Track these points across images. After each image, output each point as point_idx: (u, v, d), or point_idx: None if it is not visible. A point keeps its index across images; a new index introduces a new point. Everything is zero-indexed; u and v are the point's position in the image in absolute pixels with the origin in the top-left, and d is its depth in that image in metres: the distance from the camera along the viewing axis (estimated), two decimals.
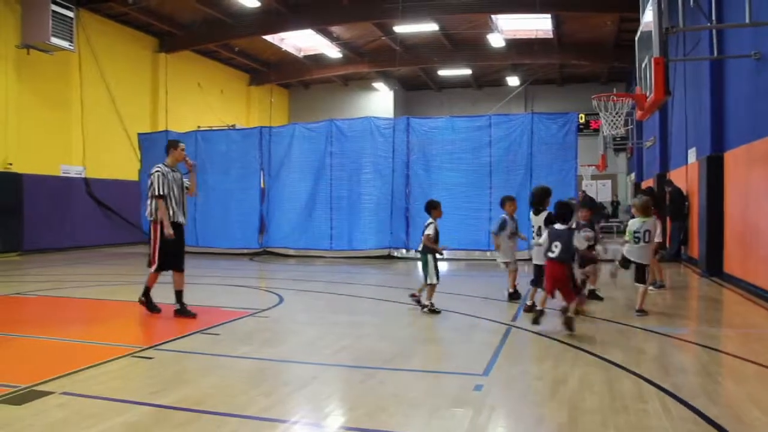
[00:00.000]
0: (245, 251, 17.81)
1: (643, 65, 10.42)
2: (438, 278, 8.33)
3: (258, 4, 20.82)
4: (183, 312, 8.10)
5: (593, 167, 27.14)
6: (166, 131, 19.90)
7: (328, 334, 7.13)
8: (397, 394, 4.89)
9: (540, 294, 7.67)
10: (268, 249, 17.72)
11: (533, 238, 8.61)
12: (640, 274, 8.19)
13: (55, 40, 18.12)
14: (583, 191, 22.33)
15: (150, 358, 5.92)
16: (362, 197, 16.71)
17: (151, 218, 8.06)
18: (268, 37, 24.54)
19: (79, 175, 20.34)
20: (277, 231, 17.65)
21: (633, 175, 27.55)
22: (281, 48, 26.27)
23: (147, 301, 8.38)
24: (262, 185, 17.88)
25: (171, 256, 8.17)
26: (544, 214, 8.44)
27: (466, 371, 5.48)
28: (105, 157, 21.19)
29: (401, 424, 4.26)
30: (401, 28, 23.09)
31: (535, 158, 15.55)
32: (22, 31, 18.32)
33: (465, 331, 7.36)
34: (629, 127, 22.78)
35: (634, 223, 8.30)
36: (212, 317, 8.07)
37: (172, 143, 8.38)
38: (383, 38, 24.89)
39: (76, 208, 19.89)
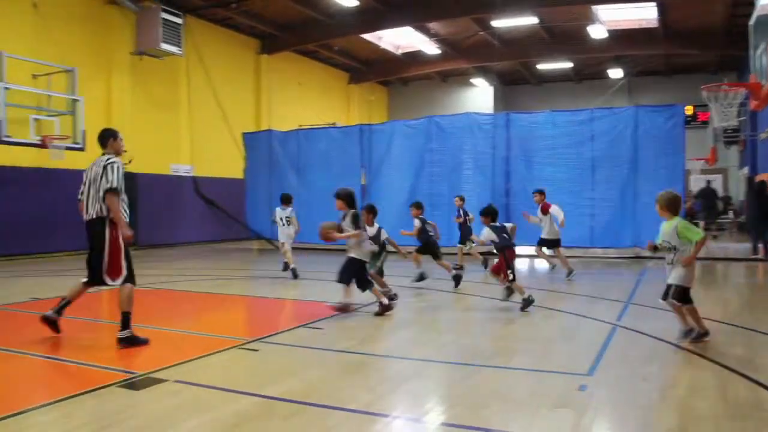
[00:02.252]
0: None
1: (758, 52, 9.90)
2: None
3: (356, 3, 21.04)
4: (131, 341, 6.35)
5: (702, 161, 26.00)
6: (269, 130, 20.50)
7: (429, 330, 7.14)
8: (499, 392, 4.85)
9: None
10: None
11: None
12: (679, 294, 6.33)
13: (164, 46, 18.94)
14: (708, 182, 22.62)
15: (256, 350, 6.10)
16: (462, 194, 16.59)
17: (104, 215, 6.47)
18: (366, 36, 24.76)
19: (187, 174, 21.18)
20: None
21: (746, 169, 26.19)
22: (379, 46, 26.45)
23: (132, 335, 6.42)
24: (362, 182, 18.09)
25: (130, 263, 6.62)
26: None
27: (570, 371, 5.36)
28: (211, 155, 21.97)
29: (503, 423, 4.21)
30: (500, 23, 22.80)
31: (640, 153, 15.03)
32: (135, 39, 19.26)
33: (568, 329, 7.22)
34: (742, 119, 21.67)
35: (662, 227, 6.52)
36: (315, 312, 8.22)
37: (112, 132, 6.94)
38: (481, 33, 24.65)
39: (185, 205, 20.72)
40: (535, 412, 4.38)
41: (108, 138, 6.85)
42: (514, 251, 8.65)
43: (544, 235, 12.38)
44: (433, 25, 24.41)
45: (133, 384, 4.95)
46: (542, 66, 29.61)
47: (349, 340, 6.58)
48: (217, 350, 6.11)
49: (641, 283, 11.19)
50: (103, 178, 6.43)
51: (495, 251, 8.88)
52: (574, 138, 15.62)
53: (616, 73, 29.48)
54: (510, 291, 8.66)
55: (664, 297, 6.35)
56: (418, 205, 10.68)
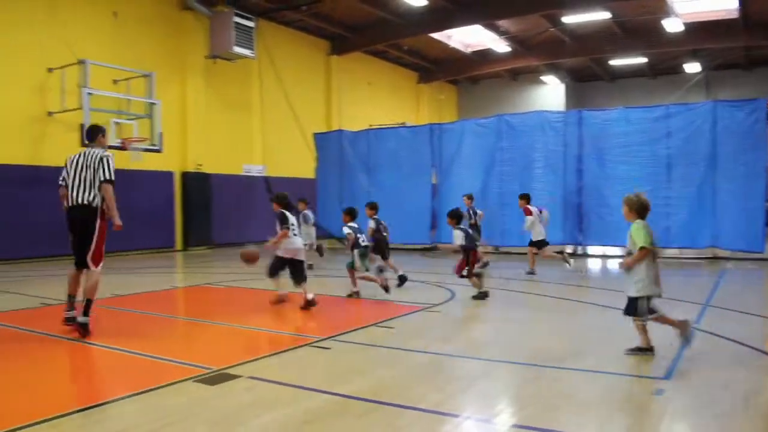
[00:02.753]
0: (417, 246, 18.07)
1: None
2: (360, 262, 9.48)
3: (425, 3, 21.02)
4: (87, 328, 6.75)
5: None
6: (340, 130, 20.66)
7: (500, 330, 7.07)
8: (571, 394, 4.76)
9: None
10: (439, 245, 17.84)
11: None
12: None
13: (237, 49, 19.37)
14: None
15: (328, 348, 6.16)
16: (533, 193, 16.34)
17: (96, 205, 6.87)
18: (435, 35, 24.71)
19: (259, 174, 21.58)
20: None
21: None
22: (448, 45, 26.36)
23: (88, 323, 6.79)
24: (433, 181, 18.05)
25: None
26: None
27: (646, 374, 5.22)
28: (283, 156, 22.33)
29: (575, 426, 4.13)
30: (570, 18, 22.41)
31: (718, 149, 14.49)
32: (209, 43, 19.75)
33: None
34: None
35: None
36: (386, 311, 8.27)
37: (101, 129, 7.43)
38: (552, 30, 24.28)
39: (257, 204, 21.08)
40: (608, 416, 4.28)
41: (97, 133, 7.32)
42: (477, 253, 9.62)
43: (533, 238, 12.64)
44: (503, 23, 24.19)
45: (207, 379, 5.07)
46: (615, 62, 28.98)
47: (420, 339, 6.57)
48: (289, 348, 6.21)
49: (720, 285, 10.81)
50: (100, 170, 6.84)
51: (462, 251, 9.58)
52: (649, 135, 15.18)
53: (692, 67, 28.60)
54: (483, 294, 9.18)
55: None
56: (372, 206, 10.99)
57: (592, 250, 16.33)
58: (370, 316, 8.06)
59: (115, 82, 16.94)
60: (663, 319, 5.76)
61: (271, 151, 21.95)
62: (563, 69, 30.95)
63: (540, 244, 12.63)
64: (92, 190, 6.86)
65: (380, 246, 10.64)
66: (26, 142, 15.54)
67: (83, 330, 6.70)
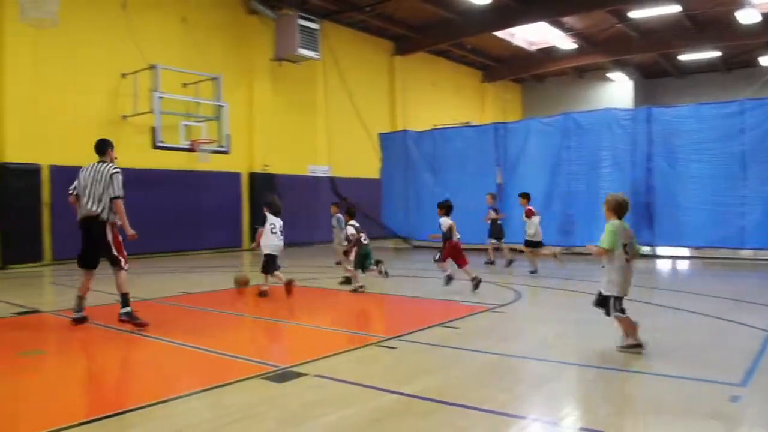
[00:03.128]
0: (481, 247, 17.92)
1: None
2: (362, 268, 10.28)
3: (489, 1, 20.83)
4: (131, 317, 7.37)
5: None
6: (405, 131, 20.70)
7: (567, 331, 6.96)
8: (641, 398, 4.64)
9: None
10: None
11: None
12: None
13: (302, 51, 19.60)
14: None
15: (394, 348, 6.17)
16: (601, 192, 16.00)
17: (105, 218, 7.41)
18: (499, 33, 24.47)
19: (324, 174, 21.79)
20: (513, 227, 17.39)
21: None
22: (512, 43, 26.07)
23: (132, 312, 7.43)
24: (498, 181, 17.89)
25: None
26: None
27: (721, 380, 5.03)
28: (348, 156, 22.48)
29: (643, 431, 4.04)
30: (638, 13, 21.87)
31: None
32: (275, 46, 20.05)
33: (717, 335, 6.81)
34: None
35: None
36: (452, 311, 8.24)
37: (110, 143, 7.87)
38: (618, 25, 23.76)
39: (323, 205, 21.26)
40: (681, 422, 4.16)
41: (107, 147, 7.76)
42: (455, 243, 10.35)
43: (528, 238, 12.94)
44: (568, 20, 23.79)
45: (275, 377, 5.13)
46: (685, 56, 28.14)
47: (486, 339, 6.52)
48: (356, 347, 6.24)
49: None
50: (110, 187, 7.40)
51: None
52: (722, 131, 14.66)
53: None
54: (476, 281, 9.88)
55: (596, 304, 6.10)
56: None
57: (661, 250, 15.89)
58: (435, 316, 8.04)
59: (184, 85, 17.38)
60: (625, 322, 5.97)
61: (336, 152, 22.14)
62: (631, 65, 30.24)
63: (538, 245, 12.87)
64: (101, 203, 7.39)
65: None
66: None
67: (130, 317, 7.30)
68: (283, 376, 5.14)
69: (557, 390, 4.91)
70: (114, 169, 7.52)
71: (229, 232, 18.89)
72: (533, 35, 26.05)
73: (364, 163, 22.55)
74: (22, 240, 14.20)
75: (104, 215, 7.39)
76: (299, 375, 5.17)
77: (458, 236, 10.49)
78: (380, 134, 21.25)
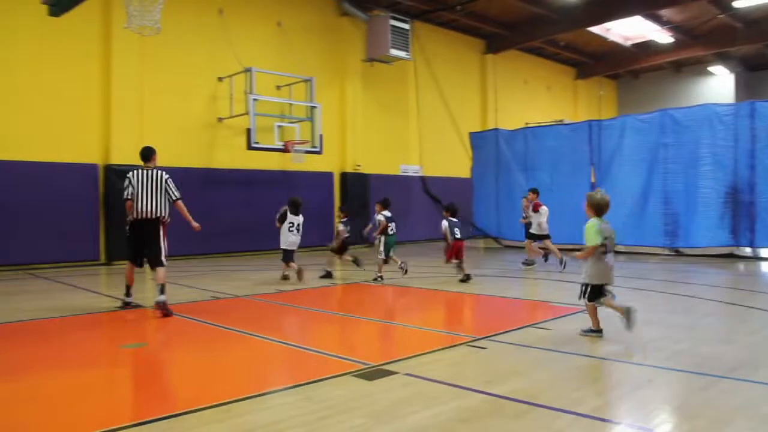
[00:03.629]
0: (576, 247, 17.53)
1: None
2: (385, 256, 11.70)
3: None
4: (166, 306, 8.08)
5: None
6: (496, 129, 20.48)
7: (663, 335, 6.71)
8: (745, 407, 4.41)
9: None
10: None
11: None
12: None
13: (393, 52, 19.72)
14: None
15: (484, 348, 6.12)
16: (700, 191, 15.38)
17: (164, 219, 8.51)
18: (594, 29, 23.87)
19: (416, 174, 21.85)
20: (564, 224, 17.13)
21: None
22: (607, 38, 25.38)
23: (166, 302, 8.14)
24: (592, 180, 17.47)
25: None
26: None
27: None
28: (439, 156, 22.48)
29: None
30: (743, 3, 20.86)
31: None
32: (366, 47, 20.26)
33: None
34: None
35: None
36: (543, 312, 8.12)
37: (154, 150, 8.73)
38: (720, 16, 22.72)
39: (414, 204, 21.37)
40: None
41: (152, 154, 8.66)
42: (462, 244, 11.52)
43: (533, 230, 13.69)
44: (666, 12, 22.94)
45: (365, 374, 5.18)
46: None
47: (578, 342, 6.37)
48: (446, 346, 6.22)
49: None
50: (170, 191, 8.48)
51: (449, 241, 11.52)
52: None
53: None
54: (467, 277, 11.09)
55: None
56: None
57: (765, 252, 15.11)
58: (527, 317, 7.94)
59: (278, 87, 17.81)
60: (609, 304, 6.62)
61: (427, 151, 22.16)
62: (733, 58, 28.87)
63: (542, 238, 13.63)
64: (159, 205, 8.37)
65: (344, 246, 12.47)
66: (201, 147, 16.71)
67: (164, 306, 8.03)
68: (373, 374, 5.18)
69: (654, 396, 4.74)
70: (166, 174, 8.55)
71: (321, 231, 19.20)
72: (629, 29, 25.27)
73: (454, 162, 22.49)
74: (125, 238, 14.85)
75: (161, 214, 8.40)
76: (389, 373, 5.19)
77: (458, 235, 11.59)
78: (471, 133, 21.13)
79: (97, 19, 15.06)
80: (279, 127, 16.72)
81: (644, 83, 32.01)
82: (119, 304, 8.84)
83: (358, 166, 20.12)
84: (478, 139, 20.68)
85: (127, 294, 8.75)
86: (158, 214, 8.39)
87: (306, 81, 17.53)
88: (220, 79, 16.99)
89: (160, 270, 8.36)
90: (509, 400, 4.52)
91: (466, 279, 11.07)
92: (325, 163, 19.13)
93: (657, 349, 6.12)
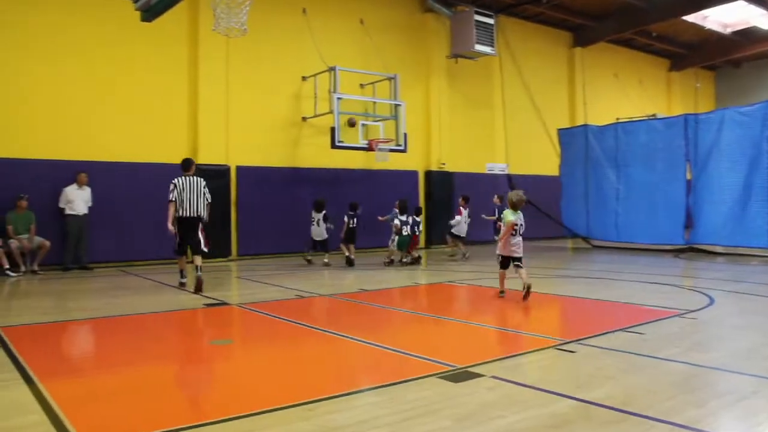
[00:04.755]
0: (668, 247, 17.04)
1: None
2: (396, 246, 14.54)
3: None
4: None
5: None
6: (585, 125, 20.04)
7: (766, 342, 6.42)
8: None
9: None
10: (694, 245, 16.65)
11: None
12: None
13: (478, 47, 19.58)
14: None
15: (573, 352, 5.99)
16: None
17: (205, 219, 10.59)
18: (689, 17, 22.97)
19: (502, 172, 21.63)
20: (704, 226, 16.49)
21: None
22: (704, 27, 24.37)
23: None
24: (687, 177, 16.88)
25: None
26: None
27: None
28: (525, 153, 22.18)
29: None
30: None
31: None
32: (450, 43, 20.19)
33: None
34: None
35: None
36: (635, 315, 7.89)
37: (193, 161, 10.89)
38: None
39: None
40: None
41: (191, 164, 10.73)
42: (416, 238, 14.85)
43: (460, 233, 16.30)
44: None
45: (451, 376, 5.16)
46: None
47: (674, 347, 6.15)
48: (533, 349, 6.13)
49: None
50: (207, 194, 10.56)
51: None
52: None
53: None
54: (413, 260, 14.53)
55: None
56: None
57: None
58: (617, 320, 7.73)
59: (361, 86, 17.97)
60: (502, 276, 9.57)
61: (514, 149, 21.89)
62: None
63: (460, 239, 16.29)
64: (201, 207, 10.45)
65: (351, 236, 14.71)
66: (286, 146, 17.06)
67: (201, 280, 10.20)
68: (460, 376, 5.14)
69: (760, 407, 4.52)
70: (205, 182, 10.62)
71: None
72: (728, 16, 24.17)
73: (542, 160, 22.16)
74: (214, 237, 15.27)
75: (202, 213, 10.47)
76: (475, 375, 5.15)
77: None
78: (559, 130, 20.78)
79: (185, 21, 15.60)
80: (363, 125, 16.88)
81: (746, 73, 30.60)
82: (205, 301, 9.24)
83: (443, 164, 20.08)
84: (566, 136, 20.32)
85: (182, 276, 10.96)
86: (199, 213, 10.44)
87: (389, 79, 17.61)
88: (304, 78, 17.28)
89: (198, 257, 10.50)
90: (600, 407, 4.41)
91: (410, 262, 14.40)
92: (410, 161, 19.18)
93: (761, 357, 5.85)
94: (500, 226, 16.18)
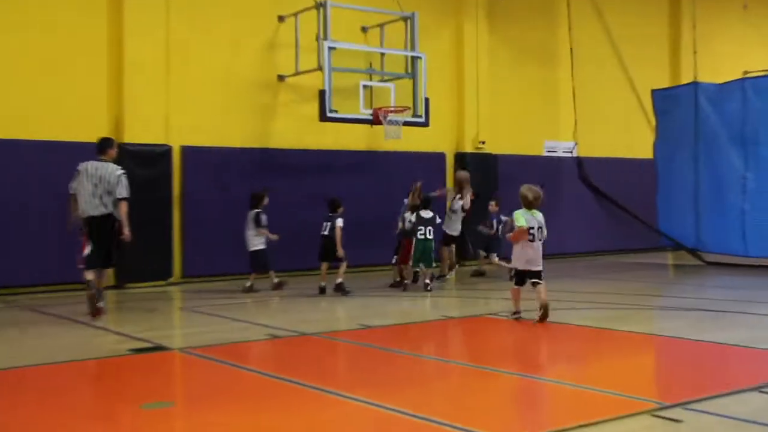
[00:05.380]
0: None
1: None
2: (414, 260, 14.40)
3: None
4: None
5: None
6: (695, 83, 19.65)
7: None
8: None
9: None
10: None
11: None
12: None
13: None
14: None
15: (678, 421, 5.79)
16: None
17: (105, 214, 11.06)
18: None
19: (568, 154, 21.44)
20: None
21: None
22: None
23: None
24: None
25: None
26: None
27: None
28: (604, 127, 21.97)
29: None
30: None
31: None
32: None
33: None
34: None
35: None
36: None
37: (112, 141, 11.70)
38: None
39: (566, 198, 20.86)
40: None
41: (108, 147, 11.34)
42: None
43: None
44: None
45: None
46: None
47: None
48: (620, 415, 5.94)
49: None
50: (118, 187, 10.98)
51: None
52: None
53: None
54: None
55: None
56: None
57: None
58: (744, 374, 7.56)
59: (364, 29, 17.84)
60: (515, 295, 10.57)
61: (587, 121, 21.64)
62: None
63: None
64: (106, 204, 10.93)
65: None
66: (254, 118, 16.91)
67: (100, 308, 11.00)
68: None
69: None
70: (122, 171, 11.13)
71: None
72: None
73: (629, 135, 22.04)
74: (145, 250, 14.81)
75: (111, 210, 10.99)
76: None
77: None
78: (654, 91, 20.52)
79: None
80: (365, 87, 16.67)
81: None
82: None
83: (482, 143, 19.90)
84: (665, 100, 20.09)
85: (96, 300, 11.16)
86: (103, 212, 10.99)
87: (405, 19, 17.35)
88: (280, 18, 17.12)
89: (104, 272, 11.46)
90: None
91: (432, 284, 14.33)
92: (434, 139, 18.98)
93: None
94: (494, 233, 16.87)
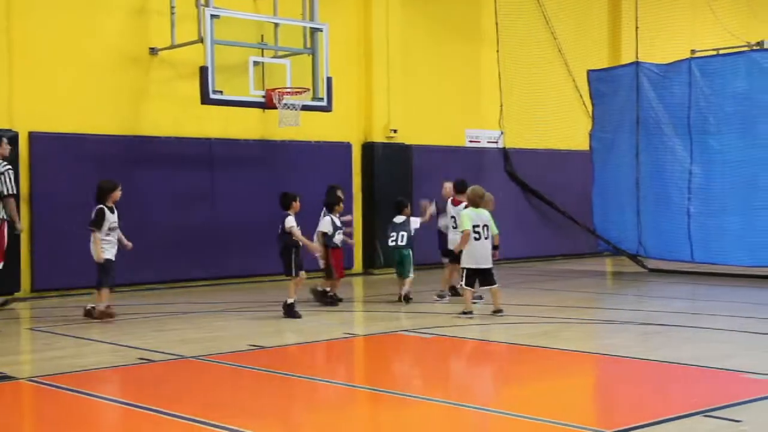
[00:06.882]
0: None
1: None
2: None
3: None
4: None
5: None
6: (636, 63, 19.93)
7: None
8: None
9: None
10: None
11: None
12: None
13: None
14: None
15: None
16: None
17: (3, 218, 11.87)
18: None
19: (493, 144, 21.59)
20: None
21: None
22: None
23: None
24: None
25: None
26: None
27: None
28: (533, 114, 22.20)
29: None
30: None
31: None
32: None
33: None
34: None
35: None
36: (724, 388, 8.11)
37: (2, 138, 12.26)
38: None
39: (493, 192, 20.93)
40: None
41: None
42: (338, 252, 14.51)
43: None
44: None
45: None
46: None
47: None
48: None
49: None
50: (2, 185, 11.56)
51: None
52: None
53: None
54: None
55: None
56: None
57: None
58: (695, 396, 7.70)
59: None
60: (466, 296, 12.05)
61: (514, 108, 21.88)
62: None
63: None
64: None
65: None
66: (121, 100, 16.59)
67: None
68: None
69: None
70: (7, 166, 11.65)
71: None
72: None
73: (562, 124, 22.26)
74: None
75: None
76: None
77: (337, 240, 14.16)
78: (591, 72, 20.76)
79: None
80: (256, 64, 16.57)
81: None
82: None
83: (393, 132, 19.91)
84: (603, 82, 20.38)
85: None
86: None
87: None
88: None
89: None
90: None
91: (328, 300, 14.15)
92: (338, 127, 19.01)
93: None
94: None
